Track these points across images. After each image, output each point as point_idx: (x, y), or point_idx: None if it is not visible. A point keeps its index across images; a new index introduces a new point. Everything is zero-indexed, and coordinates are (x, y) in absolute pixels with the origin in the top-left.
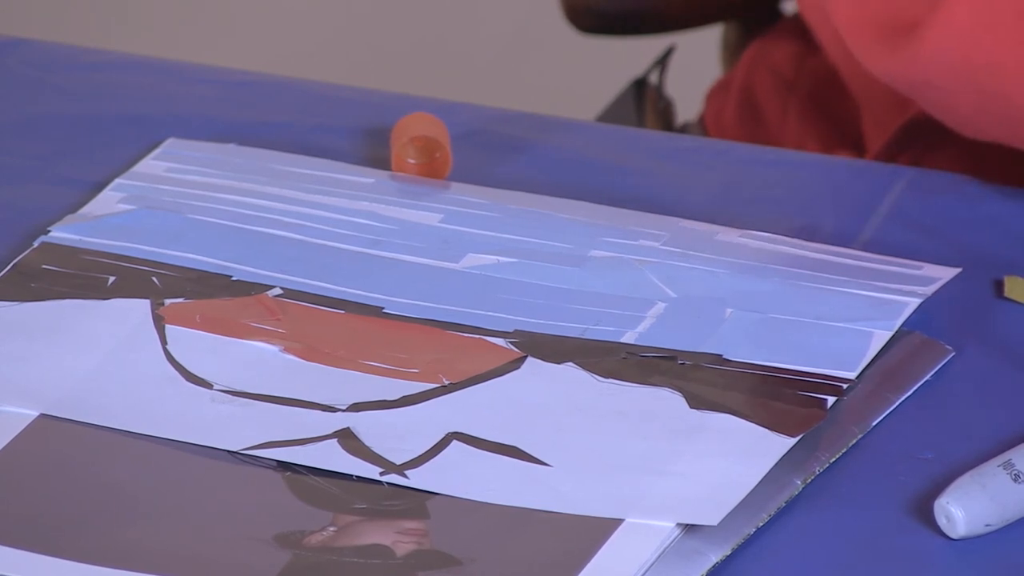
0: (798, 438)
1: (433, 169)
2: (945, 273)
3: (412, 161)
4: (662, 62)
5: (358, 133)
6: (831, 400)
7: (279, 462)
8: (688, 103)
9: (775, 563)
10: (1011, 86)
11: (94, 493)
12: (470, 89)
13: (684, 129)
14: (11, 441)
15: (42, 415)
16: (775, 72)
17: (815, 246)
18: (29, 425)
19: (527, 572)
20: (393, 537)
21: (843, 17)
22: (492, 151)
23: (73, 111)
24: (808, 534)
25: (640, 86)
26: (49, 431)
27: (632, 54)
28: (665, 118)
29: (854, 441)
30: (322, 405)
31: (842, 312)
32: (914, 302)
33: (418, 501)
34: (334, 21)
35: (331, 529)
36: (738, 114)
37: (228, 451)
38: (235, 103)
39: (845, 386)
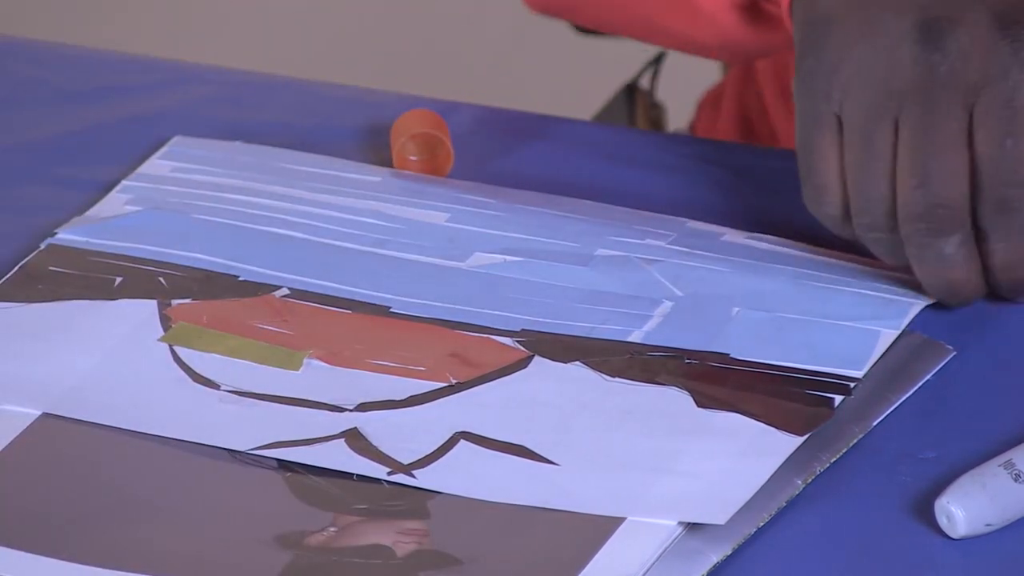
0: (805, 437)
1: (435, 165)
2: None
3: (414, 158)
4: (654, 67)
5: (358, 133)
6: (838, 399)
7: (280, 462)
8: (680, 109)
9: (775, 563)
10: None
11: (95, 493)
12: (470, 89)
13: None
14: (13, 440)
15: (45, 414)
16: (762, 88)
17: (822, 250)
18: (31, 424)
19: (528, 572)
20: (394, 537)
21: None
22: (492, 150)
23: (73, 111)
24: (808, 534)
25: (631, 91)
26: (51, 431)
27: (633, 55)
28: (656, 125)
29: (855, 441)
30: (329, 405)
31: (849, 311)
32: (920, 303)
33: (419, 501)
34: (334, 21)
35: (332, 529)
36: (731, 126)
37: (230, 451)
38: (235, 103)
39: (852, 385)
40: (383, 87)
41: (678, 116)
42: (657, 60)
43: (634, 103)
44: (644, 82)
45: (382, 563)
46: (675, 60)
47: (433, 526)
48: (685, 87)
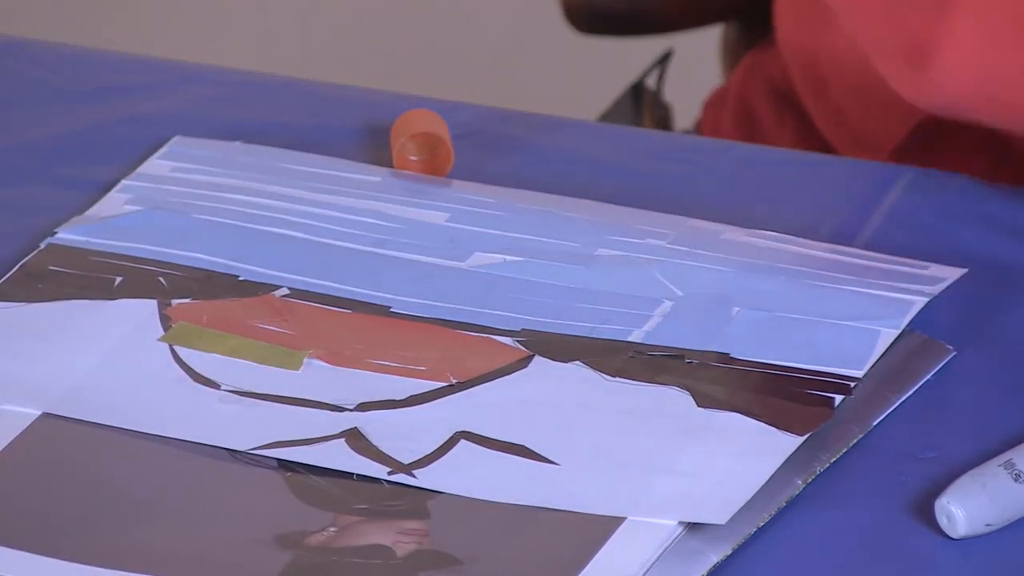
0: (805, 437)
1: (435, 165)
2: (951, 273)
3: (414, 158)
4: (660, 67)
5: (358, 133)
6: (838, 399)
7: (280, 462)
8: (686, 109)
9: (776, 563)
10: (1018, 93)
11: (95, 493)
12: (470, 89)
13: None
14: (13, 440)
15: (45, 414)
16: (771, 84)
17: (822, 245)
18: (31, 424)
19: (528, 572)
20: (394, 537)
21: (869, 44)
22: (492, 150)
23: (73, 111)
24: (808, 534)
25: (638, 91)
26: (51, 431)
27: (632, 55)
28: (663, 125)
29: (855, 441)
30: (330, 405)
31: (849, 311)
32: (920, 301)
33: (419, 501)
34: (334, 21)
35: (332, 529)
36: (735, 126)
37: (230, 451)
38: (235, 103)
39: (852, 384)
40: (383, 87)
41: (685, 116)
42: (664, 60)
43: (641, 103)
44: (651, 82)
45: (382, 563)
46: (682, 60)
47: (433, 526)
48: (692, 87)
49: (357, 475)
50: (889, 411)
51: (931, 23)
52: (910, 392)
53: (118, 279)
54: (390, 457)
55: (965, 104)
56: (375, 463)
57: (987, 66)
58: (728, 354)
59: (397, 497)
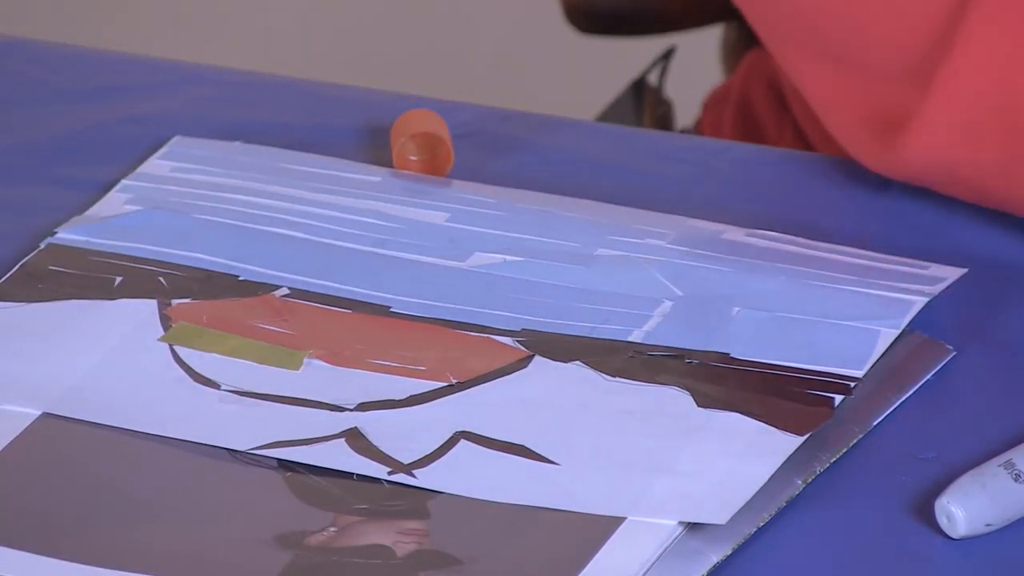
0: (805, 437)
1: (435, 165)
2: (952, 273)
3: (414, 158)
4: (662, 63)
5: (358, 133)
6: (838, 399)
7: (280, 462)
8: (687, 106)
9: (775, 563)
10: (990, 181)
11: (95, 493)
12: (470, 89)
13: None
14: (13, 440)
15: (45, 414)
16: (772, 84)
17: (822, 245)
18: (31, 424)
19: (528, 572)
20: (394, 537)
21: (828, 114)
22: (492, 150)
23: (73, 111)
24: (808, 534)
25: (639, 88)
26: (51, 431)
27: (633, 55)
28: (664, 121)
29: (855, 441)
30: (330, 405)
31: (849, 310)
32: (921, 301)
33: (419, 501)
34: (334, 21)
35: (332, 529)
36: (735, 125)
37: (230, 451)
38: (235, 103)
39: (852, 384)
40: (383, 87)
41: (685, 114)
42: (666, 56)
43: (642, 100)
44: (652, 78)
45: (382, 563)
46: (683, 57)
47: (433, 526)
48: (693, 84)
49: (357, 475)
50: (889, 411)
51: (902, 100)
52: (910, 392)
53: (118, 279)
54: (390, 457)
55: (936, 182)
56: (375, 463)
57: (961, 153)
58: (728, 354)
59: (397, 497)
